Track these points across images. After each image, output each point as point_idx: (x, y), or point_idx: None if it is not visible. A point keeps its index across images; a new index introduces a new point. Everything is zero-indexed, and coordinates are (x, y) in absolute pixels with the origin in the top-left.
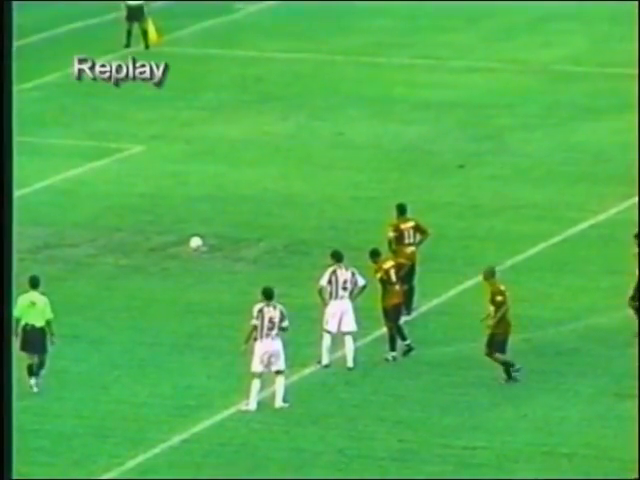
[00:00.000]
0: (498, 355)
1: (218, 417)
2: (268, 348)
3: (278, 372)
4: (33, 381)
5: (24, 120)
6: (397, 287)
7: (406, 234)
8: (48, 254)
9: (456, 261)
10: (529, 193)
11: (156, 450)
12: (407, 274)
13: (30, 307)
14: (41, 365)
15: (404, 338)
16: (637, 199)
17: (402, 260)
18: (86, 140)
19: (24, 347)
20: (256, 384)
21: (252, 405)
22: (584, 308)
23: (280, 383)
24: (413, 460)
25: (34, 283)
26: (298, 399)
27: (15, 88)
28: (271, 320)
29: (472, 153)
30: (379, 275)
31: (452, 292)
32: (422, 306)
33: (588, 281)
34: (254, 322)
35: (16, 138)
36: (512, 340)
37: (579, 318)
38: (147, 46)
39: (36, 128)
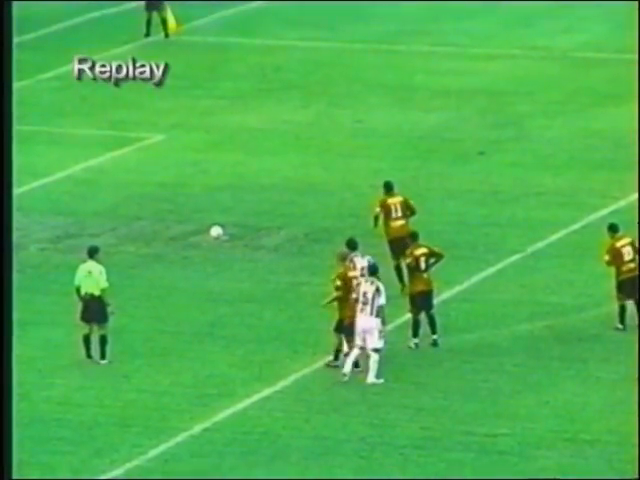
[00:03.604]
0: (341, 339)
1: (240, 406)
2: (362, 324)
3: (373, 349)
4: (94, 355)
5: (44, 110)
6: (425, 275)
7: (393, 208)
8: (69, 243)
9: (477, 248)
10: (550, 180)
11: (178, 439)
12: (400, 249)
13: (87, 276)
14: (104, 341)
15: (434, 331)
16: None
17: (437, 250)
18: (106, 129)
19: (83, 316)
20: (354, 352)
21: (345, 369)
22: (606, 294)
23: (373, 360)
24: (435, 447)
25: (91, 252)
26: (320, 387)
27: (34, 78)
28: (365, 295)
29: (492, 140)
30: (408, 260)
31: (473, 279)
32: (444, 293)
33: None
34: (353, 295)
35: (36, 128)
36: (534, 327)
37: (601, 304)
38: (167, 35)
39: (56, 118)
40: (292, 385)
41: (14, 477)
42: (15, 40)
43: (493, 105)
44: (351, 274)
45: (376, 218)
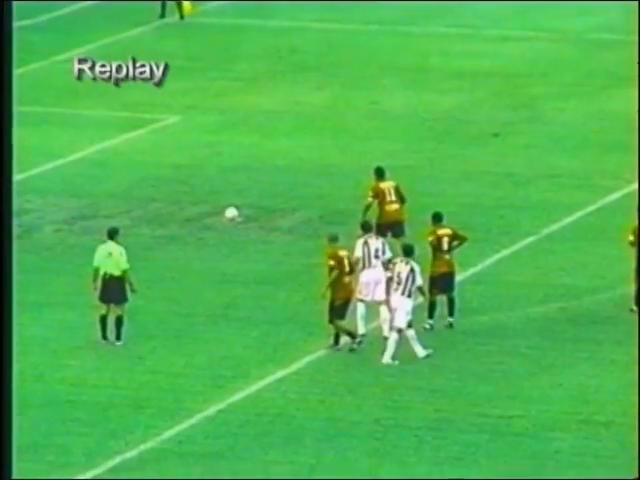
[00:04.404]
0: (339, 322)
1: (254, 387)
2: (393, 303)
3: (395, 329)
4: (100, 335)
5: (58, 92)
6: (447, 256)
7: (387, 192)
8: (83, 225)
9: (492, 230)
10: (564, 162)
11: (192, 420)
12: (391, 232)
13: (107, 257)
14: (120, 322)
15: (451, 313)
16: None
17: (461, 233)
18: (120, 111)
19: (103, 297)
20: (393, 336)
21: (419, 352)
22: (620, 276)
23: (392, 340)
24: (449, 429)
25: (111, 234)
26: (334, 368)
27: (49, 60)
28: (399, 275)
29: (507, 122)
30: (430, 239)
31: (488, 261)
32: (458, 275)
33: (623, 249)
34: (387, 274)
35: (50, 109)
36: (548, 309)
37: (615, 286)
38: (182, 17)
39: (70, 99)
40: (306, 367)
41: (21, 473)
42: (29, 22)
43: (507, 87)
44: (342, 253)
45: (367, 207)
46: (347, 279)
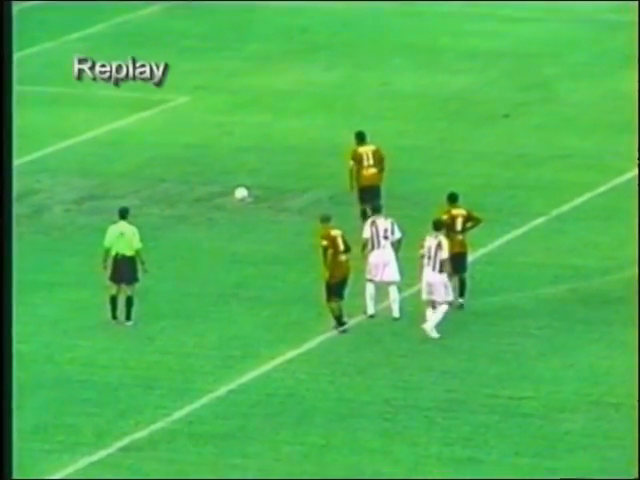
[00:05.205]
0: (333, 305)
1: (264, 367)
2: (427, 278)
3: (445, 302)
4: (110, 315)
5: (69, 71)
6: (460, 237)
7: (364, 157)
8: (93, 205)
9: (502, 211)
10: (576, 142)
11: (202, 401)
12: (370, 196)
13: (119, 237)
14: (130, 302)
15: (462, 294)
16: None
17: (475, 215)
18: (131, 91)
19: (114, 276)
20: (429, 312)
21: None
22: (631, 257)
23: (440, 310)
24: (459, 410)
25: (123, 214)
26: (344, 349)
27: (60, 40)
28: (429, 250)
29: (519, 102)
30: (444, 217)
31: (498, 242)
32: (469, 256)
33: (635, 230)
34: (421, 251)
35: (62, 89)
36: (558, 290)
37: (626, 267)
38: None
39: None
40: (317, 347)
41: (31, 453)
42: (41, 2)
43: (519, 67)
44: (334, 233)
45: (350, 172)
46: (343, 257)
